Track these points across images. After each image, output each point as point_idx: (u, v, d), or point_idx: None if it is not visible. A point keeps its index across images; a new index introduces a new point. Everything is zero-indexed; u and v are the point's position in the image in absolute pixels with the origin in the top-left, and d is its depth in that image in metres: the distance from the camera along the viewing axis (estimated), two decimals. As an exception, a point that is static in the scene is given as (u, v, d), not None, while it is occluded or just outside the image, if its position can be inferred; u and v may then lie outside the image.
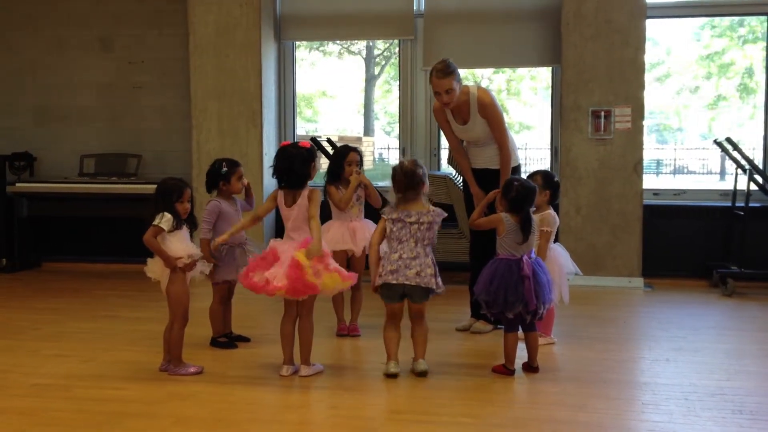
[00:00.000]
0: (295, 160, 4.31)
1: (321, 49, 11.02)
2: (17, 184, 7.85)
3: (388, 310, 4.35)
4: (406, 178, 4.30)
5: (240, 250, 4.91)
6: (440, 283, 4.29)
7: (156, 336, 4.65)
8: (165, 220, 4.24)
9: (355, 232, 5.21)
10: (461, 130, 5.33)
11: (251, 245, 4.99)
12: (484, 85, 9.83)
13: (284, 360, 4.40)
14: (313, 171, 4.41)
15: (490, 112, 5.16)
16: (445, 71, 5.02)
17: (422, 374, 4.30)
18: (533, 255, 4.40)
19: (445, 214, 4.39)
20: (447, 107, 5.18)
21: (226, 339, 5.01)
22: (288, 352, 4.39)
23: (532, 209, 4.46)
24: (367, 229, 5.22)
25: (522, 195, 4.35)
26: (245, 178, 5.03)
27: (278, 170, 4.37)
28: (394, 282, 4.24)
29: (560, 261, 4.93)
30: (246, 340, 5.09)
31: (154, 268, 4.35)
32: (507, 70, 11.46)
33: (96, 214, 8.02)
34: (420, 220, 4.26)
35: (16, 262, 7.90)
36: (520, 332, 4.43)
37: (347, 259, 5.20)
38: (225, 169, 4.93)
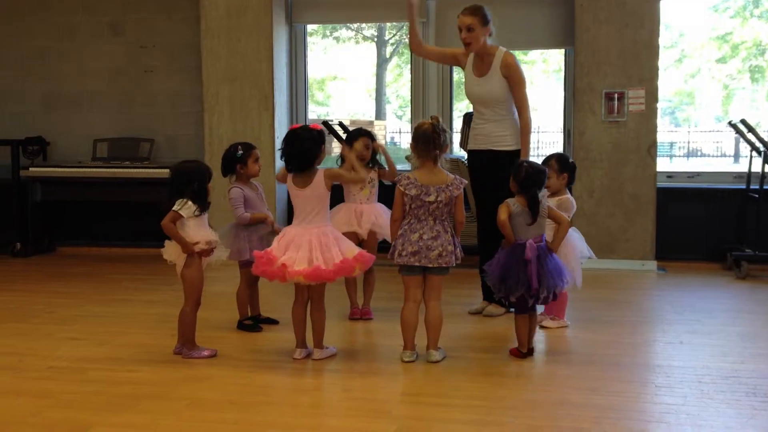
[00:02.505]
0: (304, 142, 4.28)
1: (335, 36, 10.99)
2: (31, 169, 7.87)
3: (406, 283, 4.32)
4: (425, 141, 4.25)
5: (268, 232, 4.93)
6: (458, 254, 4.27)
7: (169, 319, 4.67)
8: (186, 207, 4.24)
9: (361, 214, 5.21)
10: (476, 83, 5.28)
11: (279, 225, 5.04)
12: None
13: (297, 343, 4.41)
14: (322, 154, 4.38)
15: (513, 71, 5.17)
16: (471, 10, 5.11)
17: (435, 363, 4.30)
18: (543, 240, 4.37)
19: (466, 182, 4.33)
20: (467, 48, 5.19)
21: (251, 322, 5.03)
22: (300, 335, 4.41)
23: (543, 192, 4.43)
24: (374, 212, 5.21)
25: (531, 176, 4.33)
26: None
27: (286, 153, 4.34)
28: (417, 264, 4.23)
29: (573, 243, 4.91)
30: (274, 322, 5.09)
31: (171, 251, 4.36)
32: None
33: (109, 198, 8.05)
34: (438, 198, 4.21)
35: (30, 247, 7.94)
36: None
37: (359, 243, 5.20)
38: (240, 152, 4.93)
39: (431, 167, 4.27)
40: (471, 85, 5.35)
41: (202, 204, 4.29)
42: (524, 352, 4.40)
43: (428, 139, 4.24)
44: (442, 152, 4.28)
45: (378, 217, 5.20)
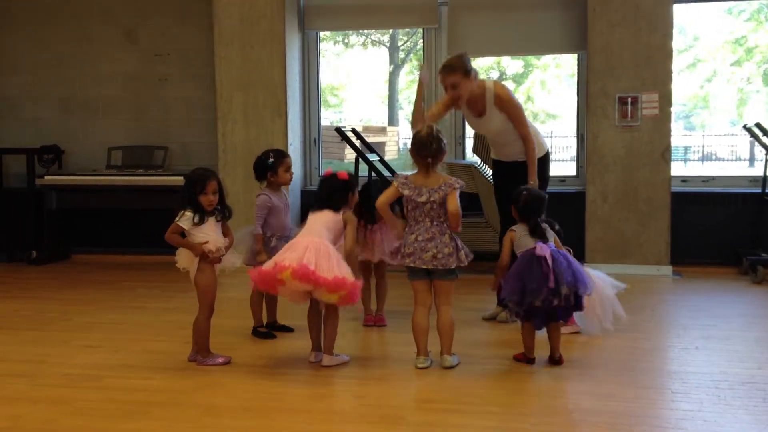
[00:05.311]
0: (333, 193, 4.37)
1: (345, 41, 11.01)
2: (46, 177, 7.92)
3: (414, 288, 4.33)
4: (419, 147, 4.30)
5: (285, 244, 4.93)
6: (462, 257, 4.25)
7: (184, 326, 4.68)
8: (184, 218, 4.25)
9: (374, 241, 5.17)
10: (477, 123, 5.32)
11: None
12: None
13: (312, 346, 4.43)
14: (351, 200, 4.45)
15: (508, 106, 5.15)
16: (449, 67, 5.05)
17: (449, 368, 4.29)
18: (552, 246, 4.34)
19: (462, 183, 4.30)
20: (457, 102, 5.18)
21: (266, 329, 5.03)
22: (314, 338, 4.43)
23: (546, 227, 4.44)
24: (387, 240, 5.13)
25: (529, 204, 4.40)
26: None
27: (318, 197, 4.43)
28: (412, 265, 4.26)
29: (598, 286, 4.78)
30: (289, 330, 5.08)
31: (183, 258, 4.37)
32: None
33: (124, 205, 8.10)
34: (431, 198, 4.23)
35: (45, 254, 7.98)
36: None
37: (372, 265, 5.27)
38: (272, 159, 4.94)
39: (426, 172, 4.30)
40: (473, 124, 5.42)
41: (202, 211, 4.29)
42: (531, 358, 4.39)
43: (423, 144, 4.28)
44: (437, 159, 4.30)
45: (388, 245, 5.14)
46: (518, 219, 4.45)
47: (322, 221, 4.35)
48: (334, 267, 4.16)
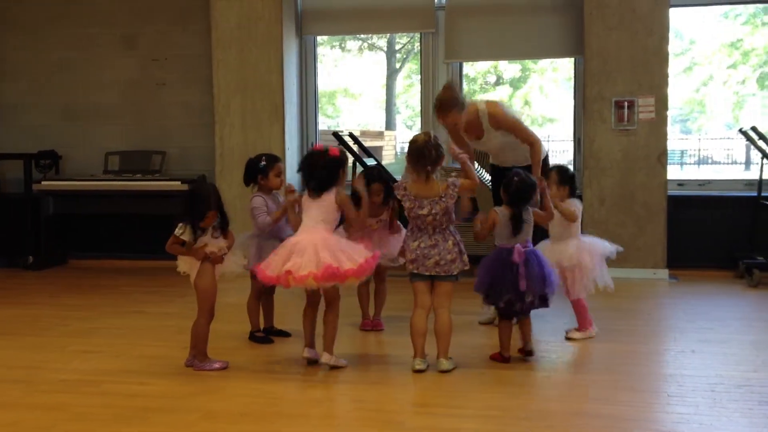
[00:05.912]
0: (322, 170, 4.33)
1: (342, 45, 11.03)
2: (43, 183, 7.92)
3: (415, 289, 4.35)
4: (418, 156, 4.28)
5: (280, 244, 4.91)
6: (465, 260, 4.29)
7: (182, 331, 4.69)
8: (186, 233, 4.26)
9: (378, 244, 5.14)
10: (478, 144, 5.34)
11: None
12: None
13: (305, 343, 4.44)
14: (342, 177, 4.42)
15: (504, 123, 5.15)
16: (445, 107, 4.97)
17: (445, 372, 4.30)
18: (530, 245, 4.42)
19: (459, 183, 4.31)
20: (458, 133, 5.20)
21: (263, 334, 5.04)
22: (309, 335, 4.44)
23: (529, 206, 4.48)
24: (385, 243, 5.09)
25: (520, 190, 4.42)
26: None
27: (305, 174, 4.39)
28: (415, 272, 4.30)
29: (589, 249, 4.90)
30: (286, 335, 5.09)
31: (184, 261, 4.37)
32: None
33: (121, 210, 8.10)
34: (433, 211, 4.24)
35: (42, 260, 7.98)
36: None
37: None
38: (263, 163, 4.94)
39: (424, 180, 4.30)
40: (474, 145, 5.38)
41: (196, 230, 4.26)
42: (507, 356, 4.45)
43: (421, 153, 4.27)
44: (436, 166, 4.30)
45: (384, 248, 5.12)
46: (506, 202, 4.46)
47: (321, 207, 4.30)
48: (353, 253, 4.21)
